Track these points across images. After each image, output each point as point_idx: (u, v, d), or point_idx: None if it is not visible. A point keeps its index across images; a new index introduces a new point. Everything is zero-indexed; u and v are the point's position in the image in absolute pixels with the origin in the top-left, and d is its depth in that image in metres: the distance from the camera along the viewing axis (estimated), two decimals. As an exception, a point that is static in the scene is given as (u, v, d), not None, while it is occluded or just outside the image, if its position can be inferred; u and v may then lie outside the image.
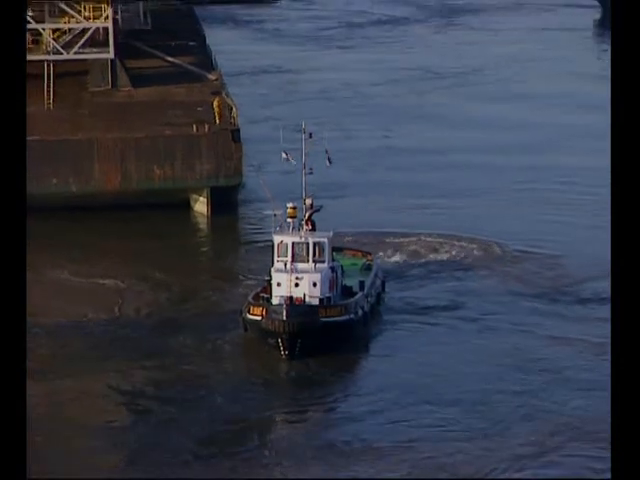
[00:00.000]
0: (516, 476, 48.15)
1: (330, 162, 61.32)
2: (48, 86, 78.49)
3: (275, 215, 59.32)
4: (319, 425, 53.40)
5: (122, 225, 73.54)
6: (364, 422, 52.64)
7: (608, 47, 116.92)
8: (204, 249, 75.02)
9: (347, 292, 59.87)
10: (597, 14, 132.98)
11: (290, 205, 58.54)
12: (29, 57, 78.28)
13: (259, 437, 52.27)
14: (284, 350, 57.06)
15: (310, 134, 59.82)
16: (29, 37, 78.54)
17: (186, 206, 76.39)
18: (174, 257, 70.44)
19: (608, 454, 48.62)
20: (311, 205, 59.39)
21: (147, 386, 56.16)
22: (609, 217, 72.09)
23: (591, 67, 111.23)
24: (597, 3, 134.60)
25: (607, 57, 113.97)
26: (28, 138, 72.63)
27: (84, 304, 63.71)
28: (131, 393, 55.57)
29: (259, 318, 57.17)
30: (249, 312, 57.77)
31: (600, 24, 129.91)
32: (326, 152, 61.01)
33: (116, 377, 56.57)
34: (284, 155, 60.63)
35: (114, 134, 75.14)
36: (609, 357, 55.70)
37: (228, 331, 60.10)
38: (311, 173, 59.43)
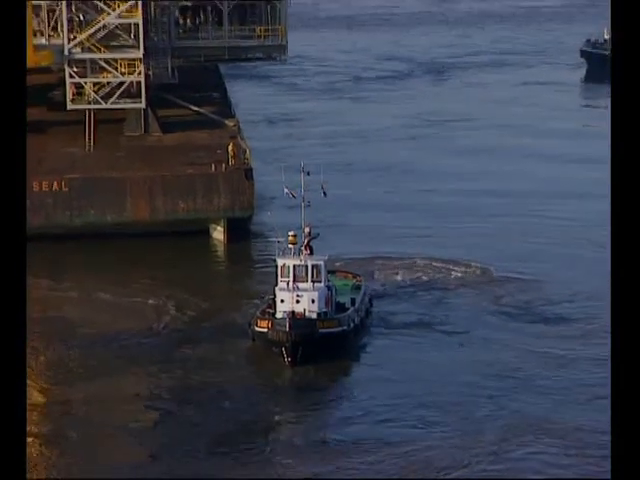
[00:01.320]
0: (491, 468, 47.60)
1: (325, 195, 61.42)
2: (89, 131, 78.41)
3: (278, 242, 59.37)
4: (318, 425, 53.16)
5: (151, 251, 73.31)
6: (356, 422, 52.22)
7: (595, 100, 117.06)
8: (221, 271, 74.64)
9: (340, 308, 59.91)
10: (583, 70, 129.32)
11: (291, 233, 58.67)
12: (74, 106, 78.60)
13: (266, 435, 51.90)
14: (287, 358, 57.01)
15: (308, 172, 59.89)
16: (73, 89, 77.79)
17: (206, 234, 75.82)
18: (195, 278, 70.04)
19: (569, 450, 49.63)
20: (309, 233, 59.48)
21: (169, 390, 55.65)
22: (585, 246, 71.88)
23: (579, 119, 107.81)
24: (582, 60, 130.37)
25: (595, 108, 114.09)
26: (70, 176, 73.69)
27: (119, 319, 63.45)
28: (155, 396, 55.10)
29: (265, 330, 57.30)
30: (257, 325, 57.90)
31: (587, 79, 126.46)
32: (322, 187, 61.17)
33: (143, 382, 56.48)
34: (286, 190, 60.75)
35: (144, 172, 74.82)
36: (572, 367, 56.49)
37: (239, 342, 59.92)
38: (309, 205, 59.34)
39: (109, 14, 77.23)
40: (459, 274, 69.16)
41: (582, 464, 48.56)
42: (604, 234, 72.62)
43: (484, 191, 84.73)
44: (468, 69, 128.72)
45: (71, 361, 58.79)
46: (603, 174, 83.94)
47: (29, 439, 51.54)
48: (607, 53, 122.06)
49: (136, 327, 62.07)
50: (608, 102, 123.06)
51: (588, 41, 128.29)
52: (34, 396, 55.34)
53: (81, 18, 77.97)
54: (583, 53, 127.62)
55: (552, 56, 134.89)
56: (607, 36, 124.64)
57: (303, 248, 58.69)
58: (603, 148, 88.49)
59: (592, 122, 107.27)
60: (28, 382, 56.25)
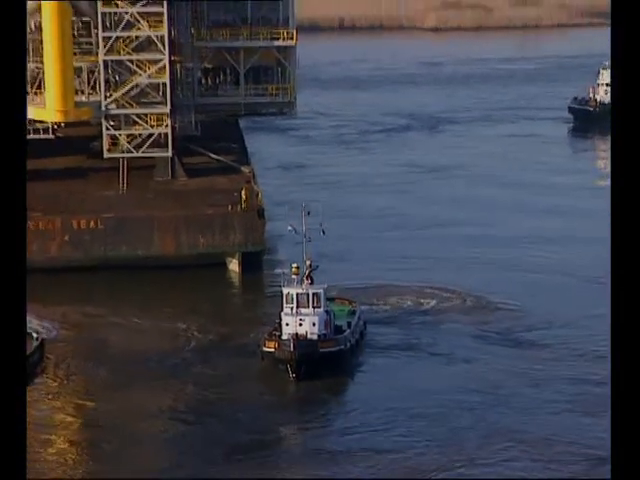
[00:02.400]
0: (468, 472, 47.26)
1: (324, 233, 60.74)
2: (123, 176, 78.48)
3: (283, 273, 59.64)
4: (319, 434, 52.78)
5: (175, 280, 72.95)
6: (352, 432, 51.86)
7: (582, 150, 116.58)
8: (236, 299, 74.12)
9: (338, 330, 59.76)
10: (565, 125, 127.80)
11: (294, 265, 58.73)
12: (110, 155, 78.62)
13: (273, 444, 51.87)
14: (292, 374, 56.86)
15: (308, 212, 59.79)
16: (109, 140, 77.54)
17: (223, 266, 75.26)
18: (213, 305, 69.77)
19: (536, 457, 49.44)
20: (310, 265, 59.14)
21: (190, 403, 55.54)
22: (561, 280, 71.21)
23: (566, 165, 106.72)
24: (569, 115, 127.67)
25: (581, 158, 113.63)
26: (106, 215, 73.41)
27: (146, 341, 63.28)
28: (178, 409, 54.90)
29: (273, 350, 57.34)
30: (265, 345, 57.88)
31: (574, 133, 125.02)
32: (320, 225, 60.46)
33: (167, 396, 56.05)
34: (290, 228, 60.72)
35: (170, 212, 74.71)
36: (545, 385, 56.57)
37: (250, 361, 59.41)
38: (309, 241, 59.23)
39: (140, 75, 77.40)
40: (445, 301, 68.44)
41: (547, 469, 48.20)
42: (581, 270, 73.17)
43: (470, 235, 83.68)
44: (459, 123, 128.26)
45: (103, 378, 58.58)
46: (580, 221, 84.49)
47: (66, 446, 51.39)
48: (591, 109, 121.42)
49: (161, 348, 61.77)
50: (595, 153, 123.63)
51: (575, 99, 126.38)
52: (71, 408, 55.39)
53: (116, 78, 77.94)
54: (570, 109, 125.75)
55: (534, 112, 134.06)
56: (591, 94, 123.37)
57: (305, 278, 58.46)
58: (592, 199, 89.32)
59: (582, 172, 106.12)
60: (66, 396, 56.37)
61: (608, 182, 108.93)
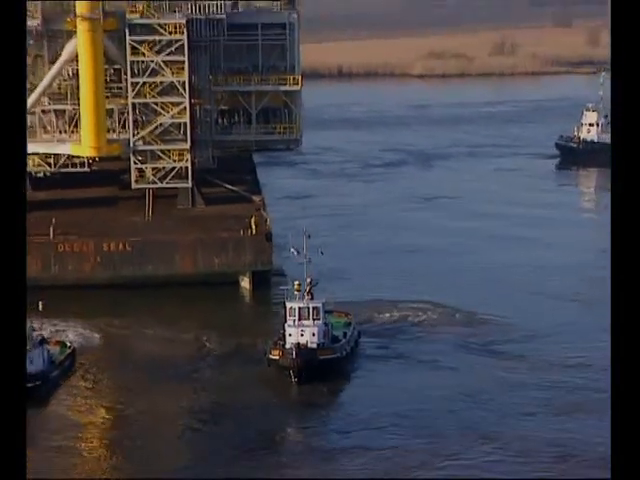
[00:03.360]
0: (449, 464, 46.90)
1: (322, 254, 60.90)
2: (149, 205, 78.01)
3: (287, 289, 59.57)
4: (318, 433, 52.67)
5: (193, 296, 72.19)
6: (348, 431, 51.60)
7: (566, 183, 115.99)
8: (247, 313, 73.61)
9: (335, 339, 59.88)
10: (551, 160, 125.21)
11: (296, 282, 58.78)
12: (137, 186, 78.55)
13: (277, 441, 51.78)
14: (294, 379, 56.70)
15: (309, 235, 59.74)
16: (137, 173, 77.23)
17: (236, 284, 74.77)
18: (227, 318, 69.27)
19: (511, 453, 49.11)
20: (310, 282, 59.08)
21: (204, 405, 55.28)
22: (539, 297, 70.92)
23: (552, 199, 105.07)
24: (552, 151, 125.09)
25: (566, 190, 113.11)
26: (133, 239, 72.93)
27: (167, 350, 62.78)
28: (194, 410, 54.51)
29: (277, 357, 57.35)
30: (270, 353, 57.93)
31: (560, 167, 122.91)
32: (319, 249, 60.58)
33: (184, 399, 55.82)
34: (292, 250, 60.56)
35: (190, 236, 74.28)
36: (520, 390, 56.14)
37: (258, 367, 59.13)
38: (310, 261, 59.24)
39: (164, 115, 77.14)
40: (433, 315, 67.80)
41: (520, 463, 47.81)
42: (556, 290, 72.58)
43: (458, 257, 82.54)
44: (449, 159, 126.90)
45: (128, 382, 58.44)
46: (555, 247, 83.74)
47: (94, 444, 50.70)
48: (575, 146, 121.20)
49: (180, 356, 61.53)
50: (579, 185, 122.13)
51: (561, 136, 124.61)
52: (99, 411, 55.07)
53: (143, 118, 77.56)
54: (557, 145, 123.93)
55: (517, 149, 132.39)
56: (576, 133, 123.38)
57: (306, 294, 58.44)
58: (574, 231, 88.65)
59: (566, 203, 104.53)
60: (95, 398, 55.82)
61: (591, 210, 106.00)
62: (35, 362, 54.85)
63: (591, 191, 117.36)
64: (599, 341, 61.98)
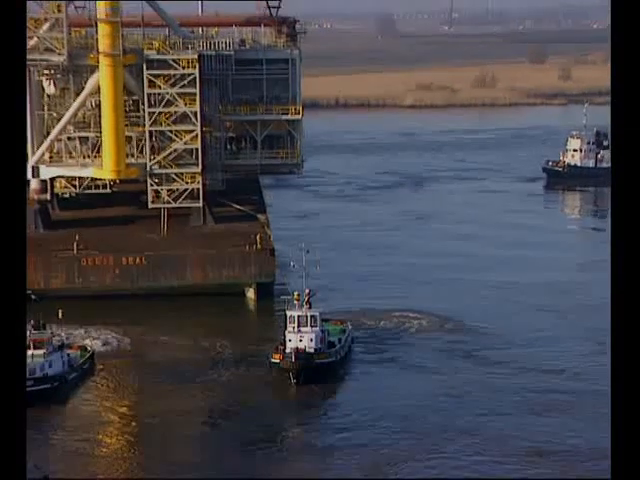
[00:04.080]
0: (432, 457, 46.61)
1: (318, 267, 60.27)
2: (164, 223, 77.97)
3: (287, 300, 59.23)
4: (314, 430, 52.44)
5: (203, 306, 71.84)
6: (340, 429, 51.40)
7: (550, 204, 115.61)
8: (252, 321, 73.20)
9: (331, 345, 59.81)
10: (540, 182, 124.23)
11: (296, 293, 58.84)
12: (153, 205, 78.44)
13: (278, 438, 51.25)
14: (293, 380, 56.65)
15: (307, 250, 59.88)
16: (153, 194, 76.86)
17: (242, 295, 74.60)
18: (234, 326, 68.93)
19: (489, 449, 48.79)
20: (308, 293, 59.09)
21: (213, 405, 54.90)
22: (519, 307, 70.80)
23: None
24: (537, 175, 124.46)
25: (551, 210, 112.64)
26: (148, 253, 72.55)
27: (179, 354, 62.38)
28: (204, 410, 54.31)
29: (278, 361, 57.34)
30: (272, 357, 57.96)
31: (547, 188, 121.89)
32: (317, 262, 60.22)
33: (195, 399, 55.49)
34: (292, 264, 61.07)
35: (201, 251, 74.15)
36: (502, 393, 55.56)
37: (261, 369, 59.08)
38: (307, 275, 59.31)
39: (178, 142, 77.15)
40: (421, 323, 67.39)
41: (498, 460, 47.38)
42: (536, 301, 71.90)
43: (447, 265, 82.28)
44: (439, 181, 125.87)
45: (143, 383, 58.27)
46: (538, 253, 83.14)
47: (113, 440, 50.19)
48: (561, 170, 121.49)
49: (191, 360, 61.24)
50: (564, 204, 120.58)
51: (547, 161, 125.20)
52: (118, 410, 54.94)
53: (158, 145, 77.56)
54: (544, 169, 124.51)
55: (500, 172, 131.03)
56: (561, 158, 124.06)
57: (304, 303, 58.47)
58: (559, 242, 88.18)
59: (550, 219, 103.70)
60: (114, 398, 55.33)
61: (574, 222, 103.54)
62: (54, 365, 55.20)
63: (575, 212, 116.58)
64: (570, 349, 62.15)
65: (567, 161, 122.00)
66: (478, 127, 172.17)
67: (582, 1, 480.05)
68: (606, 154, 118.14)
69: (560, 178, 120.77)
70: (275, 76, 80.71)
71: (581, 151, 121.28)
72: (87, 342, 62.71)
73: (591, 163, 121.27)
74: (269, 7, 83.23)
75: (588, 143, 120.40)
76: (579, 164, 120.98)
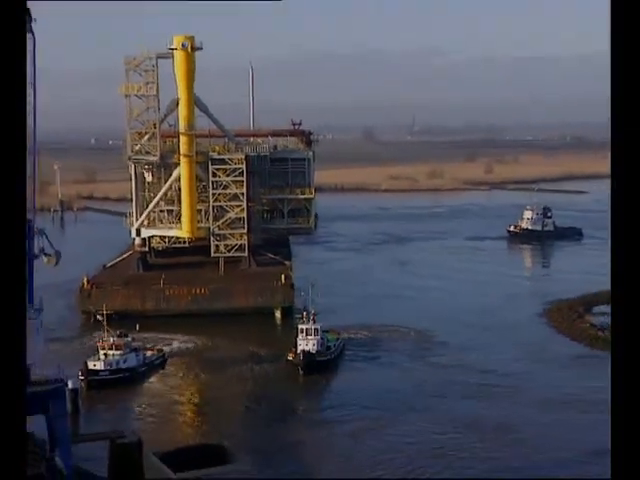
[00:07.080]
0: (408, 442, 42.90)
1: (316, 291, 59.72)
2: (221, 266, 77.96)
3: (299, 317, 58.60)
4: (316, 408, 49.66)
5: (241, 323, 69.07)
6: (335, 407, 48.84)
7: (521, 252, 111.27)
8: (278, 334, 69.92)
9: (328, 348, 58.74)
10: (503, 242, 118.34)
11: (304, 313, 58.09)
12: (215, 255, 78.29)
13: (289, 414, 48.40)
14: (302, 372, 55.42)
15: (312, 284, 58.98)
16: (215, 247, 75.85)
17: (272, 315, 72.97)
18: (265, 335, 66.94)
19: (437, 423, 45.87)
20: (313, 313, 58.10)
21: (242, 392, 52.13)
22: (489, 324, 67.36)
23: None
24: (506, 234, 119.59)
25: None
26: (210, 286, 72.05)
27: (227, 355, 59.71)
28: (235, 396, 51.52)
29: (292, 358, 56.67)
30: (288, 356, 57.12)
31: (509, 247, 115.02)
32: (317, 294, 59.67)
33: (229, 388, 53.11)
34: (302, 294, 60.59)
35: (244, 285, 73.26)
36: (483, 397, 50.76)
37: (281, 365, 57.11)
38: (314, 302, 58.05)
39: (231, 213, 77.33)
40: (402, 334, 64.70)
41: (437, 427, 45.02)
42: (505, 320, 67.88)
43: (417, 294, 78.97)
44: (414, 240, 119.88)
45: (203, 376, 55.57)
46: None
47: (183, 418, 48.58)
48: (519, 232, 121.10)
49: (235, 358, 58.94)
50: (523, 255, 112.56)
51: (509, 225, 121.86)
52: (185, 394, 52.90)
53: (218, 214, 77.09)
54: (508, 231, 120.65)
55: (454, 234, 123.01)
56: (520, 224, 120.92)
57: (311, 320, 57.74)
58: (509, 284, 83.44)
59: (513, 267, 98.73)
60: (182, 388, 53.19)
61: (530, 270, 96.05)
62: (128, 361, 55.12)
63: (528, 260, 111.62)
64: (501, 356, 59.17)
65: (523, 226, 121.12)
66: (432, 204, 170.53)
67: (503, 121, 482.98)
68: (549, 222, 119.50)
69: (518, 237, 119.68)
70: (296, 169, 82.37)
71: (532, 219, 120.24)
72: (163, 347, 62.10)
73: (539, 227, 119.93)
74: (294, 124, 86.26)
75: (537, 214, 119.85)
76: (531, 228, 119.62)
